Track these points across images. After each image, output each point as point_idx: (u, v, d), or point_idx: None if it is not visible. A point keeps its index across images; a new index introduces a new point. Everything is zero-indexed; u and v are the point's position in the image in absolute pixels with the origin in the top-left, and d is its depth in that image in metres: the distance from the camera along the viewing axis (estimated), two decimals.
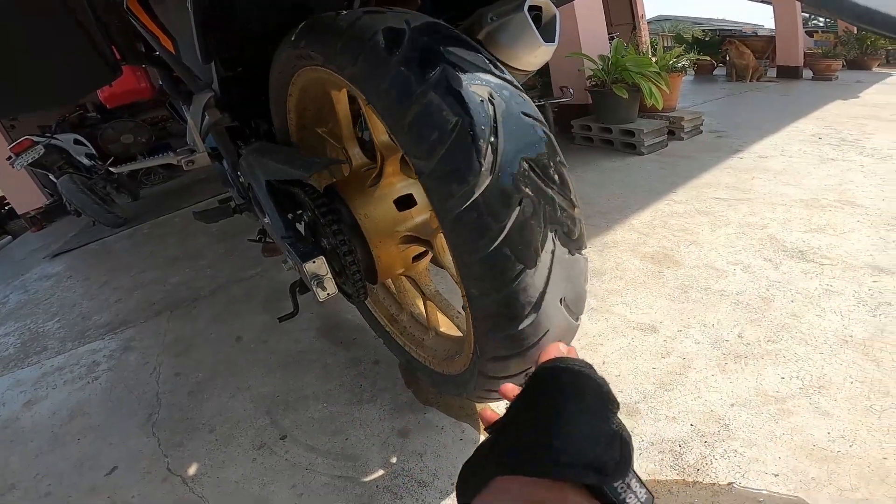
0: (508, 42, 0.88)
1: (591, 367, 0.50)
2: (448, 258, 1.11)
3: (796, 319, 1.57)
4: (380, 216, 1.13)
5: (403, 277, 1.46)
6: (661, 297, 1.80)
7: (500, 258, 0.70)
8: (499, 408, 0.73)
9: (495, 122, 0.68)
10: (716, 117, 4.33)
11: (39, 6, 1.02)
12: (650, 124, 3.56)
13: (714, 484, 1.11)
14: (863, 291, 1.65)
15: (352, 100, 1.17)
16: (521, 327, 0.76)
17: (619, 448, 0.40)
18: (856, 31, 6.17)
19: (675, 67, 3.79)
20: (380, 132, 1.08)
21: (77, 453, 1.64)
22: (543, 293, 0.74)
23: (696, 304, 1.72)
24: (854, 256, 1.86)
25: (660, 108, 3.57)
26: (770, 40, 6.39)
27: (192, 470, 1.46)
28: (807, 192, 2.49)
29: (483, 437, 1.12)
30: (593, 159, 3.60)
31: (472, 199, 0.68)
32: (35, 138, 4.16)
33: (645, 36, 6.39)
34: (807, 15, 6.35)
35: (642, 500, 0.38)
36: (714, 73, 7.08)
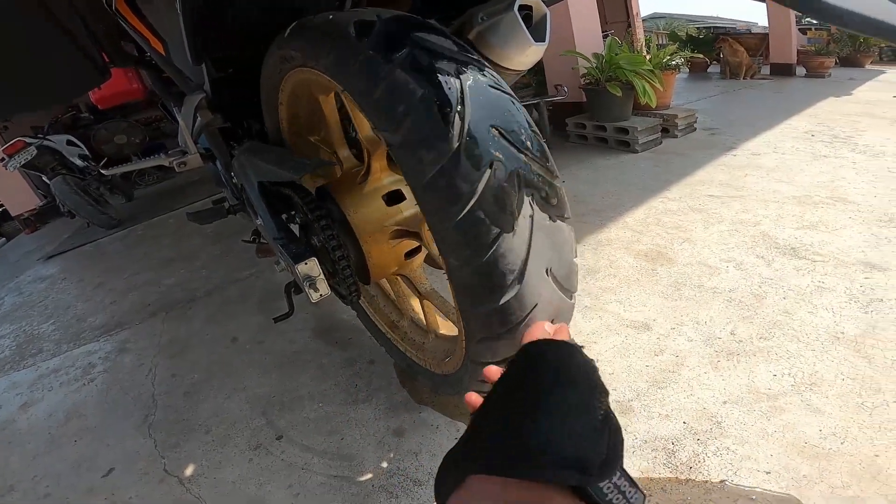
0: (499, 42, 0.89)
1: (577, 349, 0.46)
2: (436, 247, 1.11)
3: (788, 316, 1.58)
4: (369, 212, 1.13)
5: (399, 279, 1.46)
6: (654, 294, 1.80)
7: (474, 222, 0.69)
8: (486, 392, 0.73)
9: (462, 93, 0.69)
10: (710, 115, 4.35)
11: (21, 11, 1.01)
12: (644, 122, 3.57)
13: (707, 481, 1.12)
14: (854, 288, 1.67)
15: (341, 105, 1.18)
16: (504, 299, 0.73)
17: (606, 444, 0.36)
18: None
19: (668, 65, 3.81)
20: (364, 128, 1.08)
21: (74, 455, 1.64)
22: (526, 261, 0.72)
23: (689, 302, 1.73)
24: (846, 253, 1.87)
25: (654, 106, 3.58)
26: (764, 38, 6.40)
27: (188, 471, 1.46)
28: (799, 189, 2.50)
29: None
30: (588, 157, 3.61)
31: (441, 164, 0.68)
32: (28, 139, 4.13)
33: (640, 34, 6.40)
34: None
35: (632, 500, 0.35)
36: (708, 70, 7.09)
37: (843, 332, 1.48)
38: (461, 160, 0.68)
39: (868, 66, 6.17)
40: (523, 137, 0.72)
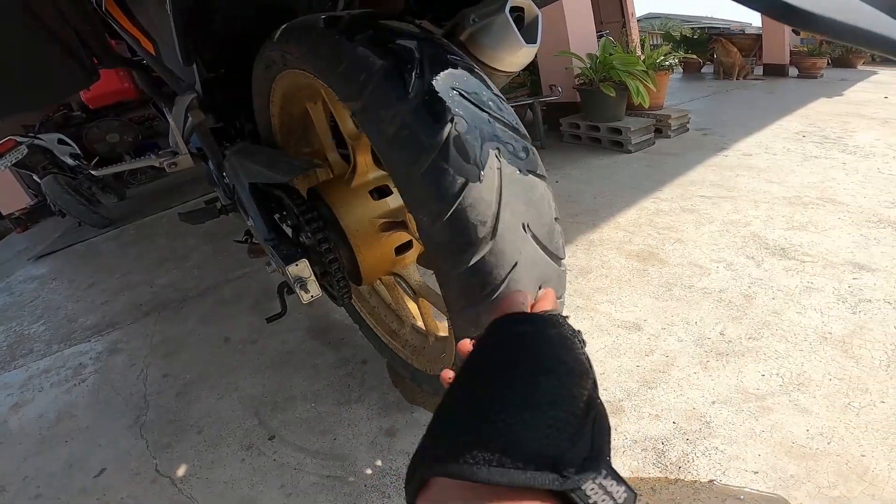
0: (490, 43, 0.89)
1: (556, 322, 0.39)
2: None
3: (777, 317, 1.59)
4: (357, 208, 1.15)
5: (396, 286, 1.46)
6: (645, 295, 1.82)
7: (439, 172, 0.70)
8: None
9: (422, 63, 0.72)
10: (702, 115, 4.37)
11: (2, 11, 1.00)
12: (637, 122, 3.59)
13: (695, 481, 1.13)
14: (843, 289, 1.68)
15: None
16: (479, 255, 0.71)
17: (588, 440, 0.31)
18: None
19: (662, 66, 3.82)
20: (348, 125, 1.10)
21: (65, 455, 1.63)
22: (497, 214, 0.70)
23: (679, 302, 1.74)
24: (835, 254, 1.89)
25: (647, 107, 3.59)
26: (757, 38, 6.44)
27: (181, 471, 1.46)
28: (790, 190, 2.52)
29: None
30: (581, 157, 3.62)
31: (403, 119, 0.71)
32: (18, 138, 4.09)
33: (635, 34, 6.41)
34: None
35: (620, 500, 0.30)
36: (702, 70, 7.12)
37: (830, 333, 1.49)
38: (422, 116, 0.70)
39: (860, 67, 6.21)
40: (485, 98, 0.74)
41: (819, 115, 3.92)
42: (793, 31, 6.21)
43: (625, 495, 0.30)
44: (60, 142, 4.48)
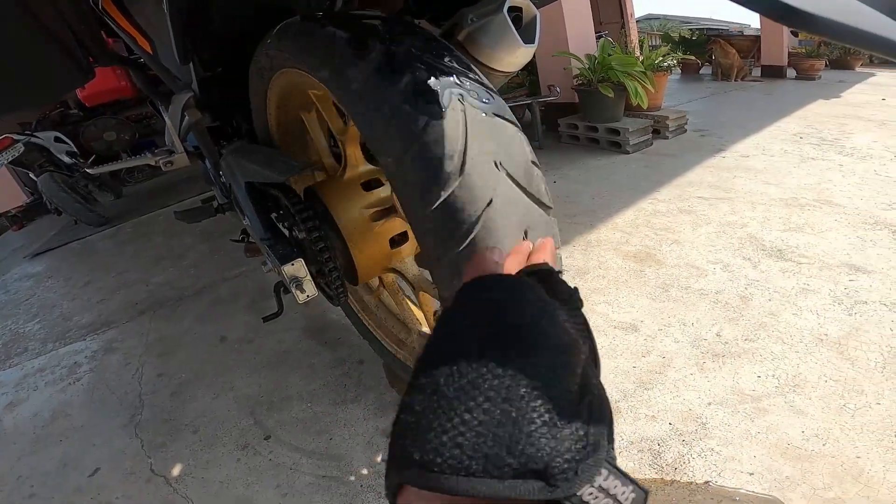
0: (488, 43, 0.89)
1: (546, 282, 0.33)
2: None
3: (773, 318, 1.60)
4: (350, 201, 1.16)
5: (398, 288, 1.46)
6: (642, 296, 1.82)
7: (401, 113, 0.71)
8: None
9: (386, 35, 0.76)
10: (700, 116, 4.38)
11: (3, 12, 0.99)
12: (635, 123, 3.59)
13: (691, 483, 1.13)
14: (839, 290, 1.69)
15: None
16: (448, 191, 0.69)
17: (582, 434, 0.25)
18: None
19: (660, 67, 3.83)
20: (336, 122, 1.13)
21: (60, 454, 1.63)
22: (464, 150, 0.70)
23: (676, 303, 1.74)
24: (831, 255, 1.89)
25: (645, 108, 3.60)
26: (755, 40, 6.45)
27: (176, 471, 1.45)
28: (787, 192, 2.53)
29: None
30: (579, 158, 3.62)
31: (367, 76, 0.74)
32: (15, 136, 4.07)
33: (634, 35, 6.41)
34: None
35: (626, 503, 0.25)
36: (700, 72, 7.14)
37: (826, 334, 1.50)
38: (381, 71, 0.73)
39: (858, 69, 6.23)
40: (445, 57, 0.77)
41: (817, 117, 3.93)
42: (791, 32, 6.23)
43: (632, 496, 0.25)
44: (57, 140, 4.45)
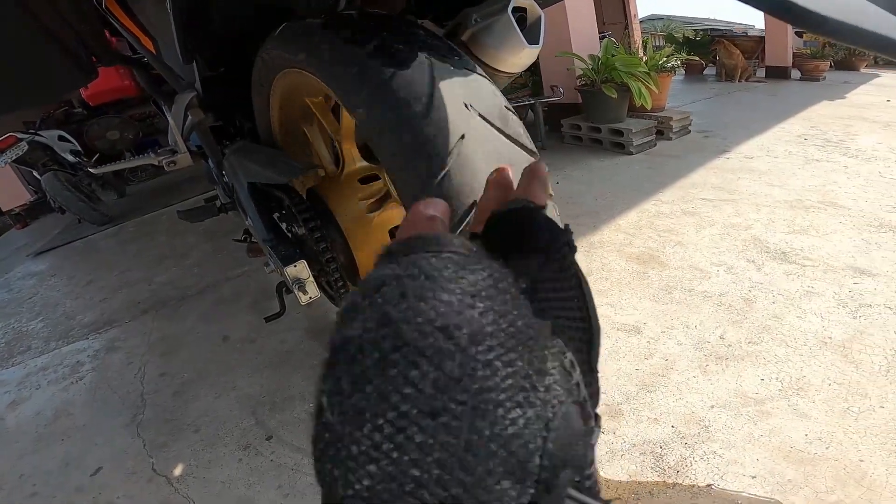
0: (493, 43, 0.89)
1: (519, 222, 0.27)
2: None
3: (777, 321, 1.59)
4: (348, 198, 1.18)
5: None
6: (645, 297, 1.81)
7: (369, 71, 0.74)
8: None
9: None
10: (704, 117, 4.36)
11: (1, 11, 0.99)
12: (639, 124, 3.58)
13: (693, 485, 1.12)
14: (843, 293, 1.68)
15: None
16: (418, 128, 0.70)
17: (532, 479, 0.17)
18: None
19: (664, 67, 3.81)
20: (331, 122, 1.14)
21: (62, 453, 1.63)
22: (431, 93, 0.71)
23: (679, 306, 1.74)
24: (835, 258, 1.88)
25: (649, 108, 3.59)
26: (760, 40, 6.42)
27: (177, 470, 1.45)
28: (791, 193, 2.52)
29: None
30: (582, 158, 3.62)
31: (337, 43, 0.79)
32: (19, 135, 4.08)
33: (637, 35, 6.40)
34: None
35: None
36: (704, 72, 7.11)
37: (830, 337, 1.49)
38: (346, 40, 0.78)
39: (863, 70, 6.20)
40: (411, 28, 0.81)
41: (821, 118, 3.92)
42: (796, 33, 6.21)
43: None
44: (61, 138, 4.47)
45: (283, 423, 1.54)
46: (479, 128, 0.72)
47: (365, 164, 1.22)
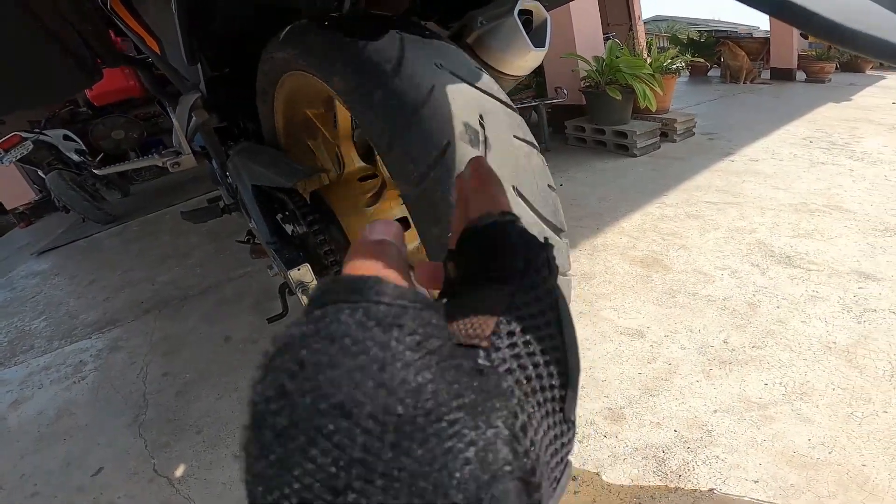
0: (498, 46, 0.88)
1: (487, 248, 0.24)
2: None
3: (781, 325, 1.58)
4: (349, 198, 1.19)
5: None
6: (648, 301, 1.80)
7: (346, 45, 0.77)
8: None
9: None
10: (709, 119, 4.35)
11: (3, 11, 0.99)
12: (643, 126, 3.57)
13: (695, 490, 1.12)
14: (848, 298, 1.67)
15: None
16: (388, 86, 0.72)
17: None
18: None
19: (668, 69, 3.81)
20: (329, 126, 1.16)
21: (63, 453, 1.63)
22: (401, 56, 0.72)
23: (683, 310, 1.73)
24: (840, 262, 1.87)
25: (653, 110, 3.58)
26: (765, 42, 6.41)
27: (179, 471, 1.45)
28: (796, 197, 2.51)
29: None
30: (586, 160, 3.61)
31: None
32: (24, 134, 4.10)
33: (641, 37, 6.39)
34: None
35: None
36: (708, 74, 7.10)
37: (835, 342, 1.48)
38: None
39: (869, 72, 6.18)
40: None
41: (826, 121, 3.90)
42: (801, 35, 6.19)
43: None
44: (66, 138, 4.48)
45: None
46: (449, 81, 0.74)
47: (363, 164, 1.23)
